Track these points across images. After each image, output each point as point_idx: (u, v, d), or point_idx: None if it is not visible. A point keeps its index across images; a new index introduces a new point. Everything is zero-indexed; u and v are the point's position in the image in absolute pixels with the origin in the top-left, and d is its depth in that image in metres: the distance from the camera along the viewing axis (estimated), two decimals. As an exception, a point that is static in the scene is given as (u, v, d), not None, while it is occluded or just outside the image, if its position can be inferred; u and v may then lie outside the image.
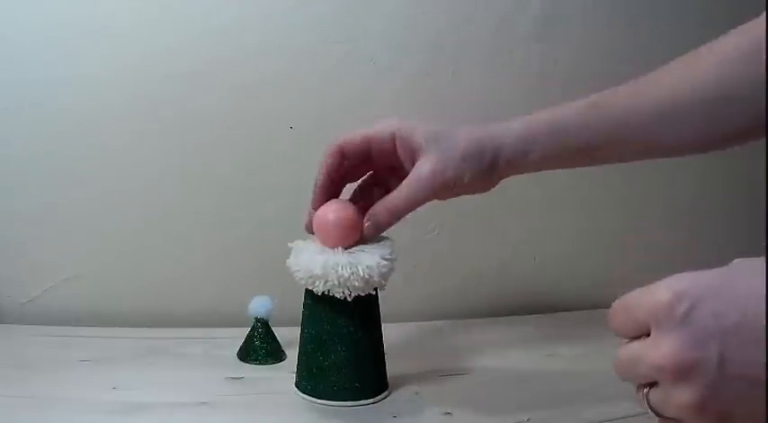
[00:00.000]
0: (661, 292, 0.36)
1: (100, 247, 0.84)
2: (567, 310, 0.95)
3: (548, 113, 0.61)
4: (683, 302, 0.36)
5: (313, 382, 0.63)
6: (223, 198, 0.86)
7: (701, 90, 0.59)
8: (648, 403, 0.39)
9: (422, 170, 0.58)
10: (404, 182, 0.59)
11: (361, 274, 0.58)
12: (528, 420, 0.61)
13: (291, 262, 0.62)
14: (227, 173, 0.86)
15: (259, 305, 0.73)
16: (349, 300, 0.59)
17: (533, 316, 0.92)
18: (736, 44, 0.59)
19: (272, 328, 0.73)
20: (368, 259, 0.59)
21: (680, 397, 0.36)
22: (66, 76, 0.80)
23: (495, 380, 0.70)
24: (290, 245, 0.63)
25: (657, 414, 0.39)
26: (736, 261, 0.38)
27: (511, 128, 0.60)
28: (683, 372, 0.36)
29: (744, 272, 0.37)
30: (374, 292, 0.62)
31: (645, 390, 0.39)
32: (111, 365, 0.69)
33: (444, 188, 0.59)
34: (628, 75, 0.92)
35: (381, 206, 0.60)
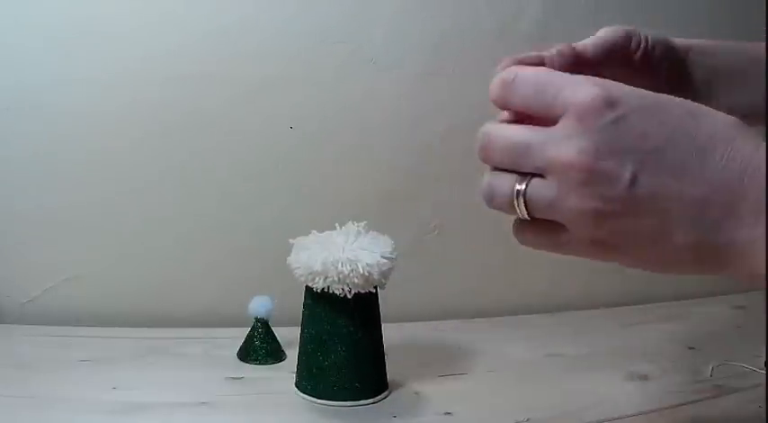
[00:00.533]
0: (593, 90, 0.34)
1: (100, 248, 0.84)
2: (566, 310, 0.95)
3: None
4: (615, 109, 0.34)
5: (313, 381, 0.63)
6: (223, 198, 0.86)
7: None
8: (524, 197, 0.36)
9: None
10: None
11: (361, 272, 0.58)
12: (528, 420, 0.61)
13: (292, 259, 0.62)
14: (227, 173, 0.86)
15: (259, 305, 0.73)
16: (349, 297, 0.59)
17: (533, 316, 0.92)
18: None
19: (272, 328, 0.73)
20: (368, 257, 0.59)
21: (577, 201, 0.34)
22: (67, 77, 0.80)
23: (495, 380, 0.70)
24: (291, 241, 0.63)
25: (528, 211, 0.36)
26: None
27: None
28: (592, 176, 0.34)
29: (682, 103, 0.35)
30: (374, 292, 0.62)
31: (524, 182, 0.36)
32: (111, 365, 0.69)
33: (629, 36, 0.53)
34: (628, 75, 0.91)
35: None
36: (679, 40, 0.54)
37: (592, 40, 0.51)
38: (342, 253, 0.59)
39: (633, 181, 0.33)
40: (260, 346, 0.72)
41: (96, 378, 0.65)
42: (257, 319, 0.73)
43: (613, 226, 0.34)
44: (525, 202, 0.36)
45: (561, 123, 0.34)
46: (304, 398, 0.63)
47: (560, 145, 0.34)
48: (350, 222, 0.64)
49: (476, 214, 0.87)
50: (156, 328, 0.80)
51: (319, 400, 0.62)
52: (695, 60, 0.54)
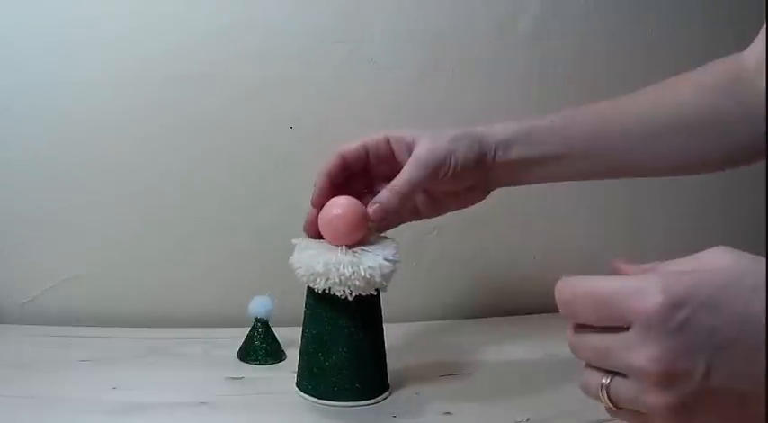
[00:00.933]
0: (654, 295, 0.35)
1: (100, 248, 0.84)
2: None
3: (529, 119, 0.64)
4: (680, 311, 0.35)
5: (314, 382, 0.63)
6: (223, 198, 0.86)
7: (678, 114, 0.62)
8: (608, 391, 0.39)
9: (419, 151, 0.62)
10: (404, 166, 0.62)
11: (363, 274, 0.58)
12: (528, 420, 0.61)
13: (294, 259, 0.62)
14: (227, 173, 0.86)
15: (259, 305, 0.73)
16: (350, 299, 0.59)
17: (533, 316, 0.92)
18: (714, 76, 0.62)
19: (272, 328, 0.73)
20: (370, 259, 0.59)
21: (656, 399, 0.36)
22: (67, 78, 0.80)
23: (495, 380, 0.70)
24: (294, 241, 0.63)
25: (612, 403, 0.39)
26: (725, 254, 0.38)
27: (494, 127, 0.64)
28: (666, 379, 0.35)
29: (743, 279, 0.36)
30: (375, 293, 0.62)
31: (608, 378, 0.39)
32: (111, 365, 0.69)
33: (440, 165, 0.61)
34: (628, 75, 0.93)
35: (385, 190, 0.61)
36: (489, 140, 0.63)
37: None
38: (344, 255, 0.59)
39: (707, 375, 0.35)
40: (260, 346, 0.72)
41: (96, 378, 0.65)
42: (257, 319, 0.73)
43: (692, 415, 0.36)
44: (610, 397, 0.39)
45: (633, 331, 0.36)
46: (304, 398, 0.63)
47: (633, 351, 0.36)
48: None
49: (475, 214, 0.87)
50: (156, 328, 0.80)
51: (320, 401, 0.62)
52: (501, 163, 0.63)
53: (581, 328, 0.40)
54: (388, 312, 0.66)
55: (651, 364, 0.35)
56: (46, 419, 0.57)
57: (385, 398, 0.64)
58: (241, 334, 0.74)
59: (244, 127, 0.86)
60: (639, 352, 0.36)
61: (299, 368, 0.65)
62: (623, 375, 0.37)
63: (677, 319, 0.35)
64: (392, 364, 0.67)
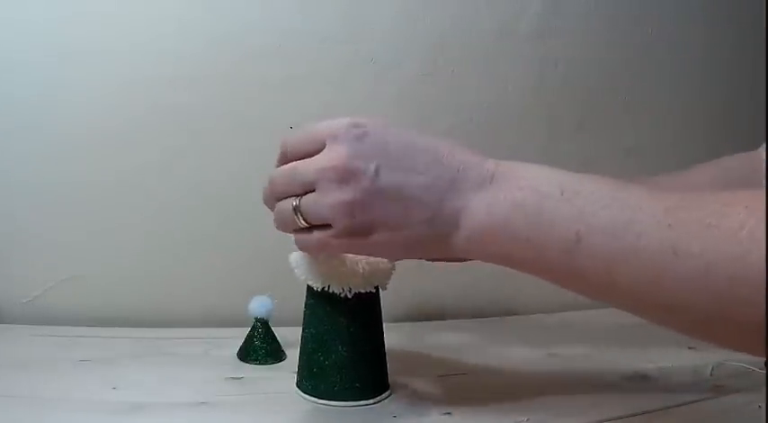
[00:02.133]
0: (343, 119, 0.47)
1: (100, 248, 0.84)
2: (566, 310, 0.95)
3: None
4: (359, 128, 0.47)
5: (314, 381, 0.63)
6: (224, 198, 0.86)
7: None
8: (299, 209, 0.48)
9: None
10: None
11: (361, 271, 0.58)
12: (528, 420, 0.61)
13: (292, 257, 0.62)
14: (227, 173, 0.86)
15: (259, 305, 0.73)
16: (349, 296, 0.59)
17: (533, 316, 0.92)
18: (711, 176, 0.64)
19: (272, 328, 0.73)
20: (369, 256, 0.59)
21: (335, 195, 0.45)
22: (67, 78, 0.80)
23: (495, 380, 0.70)
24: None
25: (304, 219, 0.48)
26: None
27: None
28: (344, 174, 0.45)
29: (415, 131, 0.49)
30: (375, 291, 0.62)
31: (298, 199, 0.48)
32: (111, 365, 0.69)
33: None
34: (627, 75, 0.93)
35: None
36: None
37: None
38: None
39: (376, 174, 0.45)
40: (260, 346, 0.72)
41: (96, 378, 0.65)
42: (257, 319, 0.73)
43: (365, 214, 0.46)
44: (301, 213, 0.48)
45: (323, 149, 0.47)
46: (305, 398, 0.63)
47: (319, 159, 0.47)
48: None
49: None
50: (156, 328, 0.80)
51: (320, 401, 0.62)
52: None
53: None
54: (387, 312, 0.66)
55: (333, 162, 0.45)
56: (46, 419, 0.57)
57: (385, 398, 0.64)
58: (241, 334, 0.74)
59: (243, 127, 0.86)
60: (324, 156, 0.46)
61: (299, 368, 0.65)
62: (311, 192, 0.47)
63: (357, 132, 0.46)
64: (392, 364, 0.67)
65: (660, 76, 0.98)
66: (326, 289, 0.59)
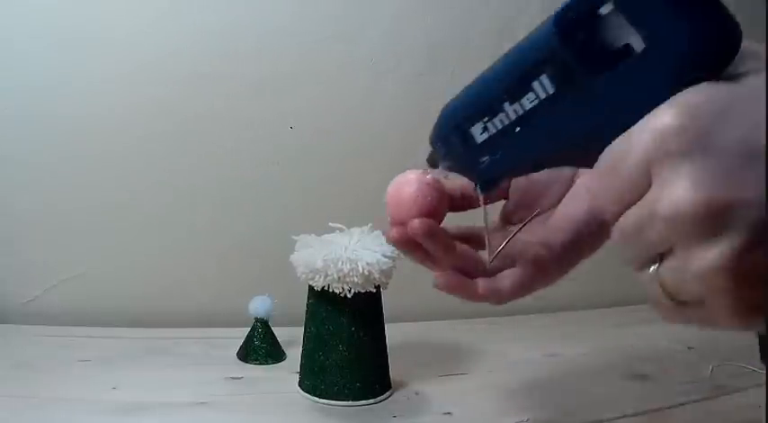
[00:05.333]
0: (665, 115, 0.26)
1: (100, 248, 0.84)
2: (566, 310, 0.95)
3: None
4: (693, 124, 0.25)
5: (314, 381, 0.63)
6: (223, 198, 0.86)
7: None
8: (662, 283, 0.28)
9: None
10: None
11: (361, 271, 0.58)
12: (528, 420, 0.61)
13: (294, 256, 0.62)
14: (227, 173, 0.86)
15: (259, 305, 0.73)
16: (348, 296, 0.59)
17: (533, 316, 0.92)
18: None
19: (272, 328, 0.73)
20: (369, 256, 0.59)
21: (702, 258, 0.25)
22: (67, 78, 0.80)
23: (495, 380, 0.70)
24: (294, 237, 0.63)
25: (672, 297, 0.28)
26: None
27: None
28: (710, 222, 0.24)
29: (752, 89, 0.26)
30: (375, 291, 0.62)
31: (655, 266, 0.28)
32: (111, 365, 0.69)
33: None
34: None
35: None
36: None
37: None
38: (343, 251, 0.59)
39: (762, 199, 0.25)
40: (260, 346, 0.72)
41: (96, 378, 0.65)
42: (257, 319, 0.73)
43: (757, 266, 0.25)
44: (665, 288, 0.28)
45: (654, 180, 0.27)
46: (306, 397, 0.63)
47: (659, 203, 0.26)
48: (356, 227, 0.64)
49: (475, 214, 0.87)
50: (155, 328, 0.80)
51: (320, 400, 0.62)
52: None
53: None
54: (388, 312, 0.66)
55: (680, 204, 0.25)
56: (46, 419, 0.57)
57: (386, 398, 0.64)
58: (241, 334, 0.74)
59: (243, 127, 0.86)
60: (667, 197, 0.26)
61: (300, 367, 0.65)
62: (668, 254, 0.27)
63: (690, 135, 0.25)
64: (392, 364, 0.67)
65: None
66: (327, 289, 0.59)
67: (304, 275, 0.61)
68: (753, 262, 0.25)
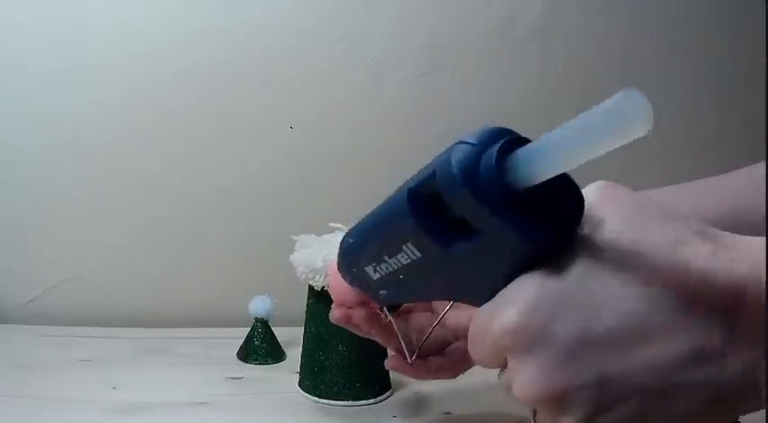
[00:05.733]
0: (508, 313, 0.30)
1: (100, 248, 0.84)
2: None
3: None
4: (534, 319, 0.29)
5: (314, 381, 0.63)
6: (223, 198, 0.86)
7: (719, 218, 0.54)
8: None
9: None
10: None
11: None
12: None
13: (294, 256, 0.62)
14: (227, 173, 0.86)
15: (259, 305, 0.73)
16: (348, 296, 0.59)
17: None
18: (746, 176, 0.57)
19: (272, 328, 0.73)
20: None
21: None
22: (67, 77, 0.80)
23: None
24: (294, 237, 0.63)
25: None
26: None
27: None
28: (554, 404, 0.30)
29: (590, 273, 0.30)
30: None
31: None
32: (111, 365, 0.69)
33: None
34: (627, 75, 0.92)
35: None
36: None
37: None
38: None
39: (602, 379, 0.29)
40: (260, 346, 0.72)
41: (96, 378, 0.65)
42: (257, 319, 0.73)
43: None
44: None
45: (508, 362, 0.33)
46: (306, 397, 0.63)
47: (513, 387, 0.34)
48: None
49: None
50: (155, 328, 0.80)
51: (320, 400, 0.62)
52: None
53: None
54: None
55: (527, 393, 0.31)
56: (46, 419, 0.57)
57: (386, 398, 0.64)
58: (241, 334, 0.74)
59: (243, 126, 0.86)
60: (516, 384, 0.32)
61: (300, 367, 0.65)
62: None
63: (532, 329, 0.30)
64: (392, 363, 0.67)
65: (660, 76, 0.98)
66: (327, 288, 0.59)
67: (304, 275, 0.61)
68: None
